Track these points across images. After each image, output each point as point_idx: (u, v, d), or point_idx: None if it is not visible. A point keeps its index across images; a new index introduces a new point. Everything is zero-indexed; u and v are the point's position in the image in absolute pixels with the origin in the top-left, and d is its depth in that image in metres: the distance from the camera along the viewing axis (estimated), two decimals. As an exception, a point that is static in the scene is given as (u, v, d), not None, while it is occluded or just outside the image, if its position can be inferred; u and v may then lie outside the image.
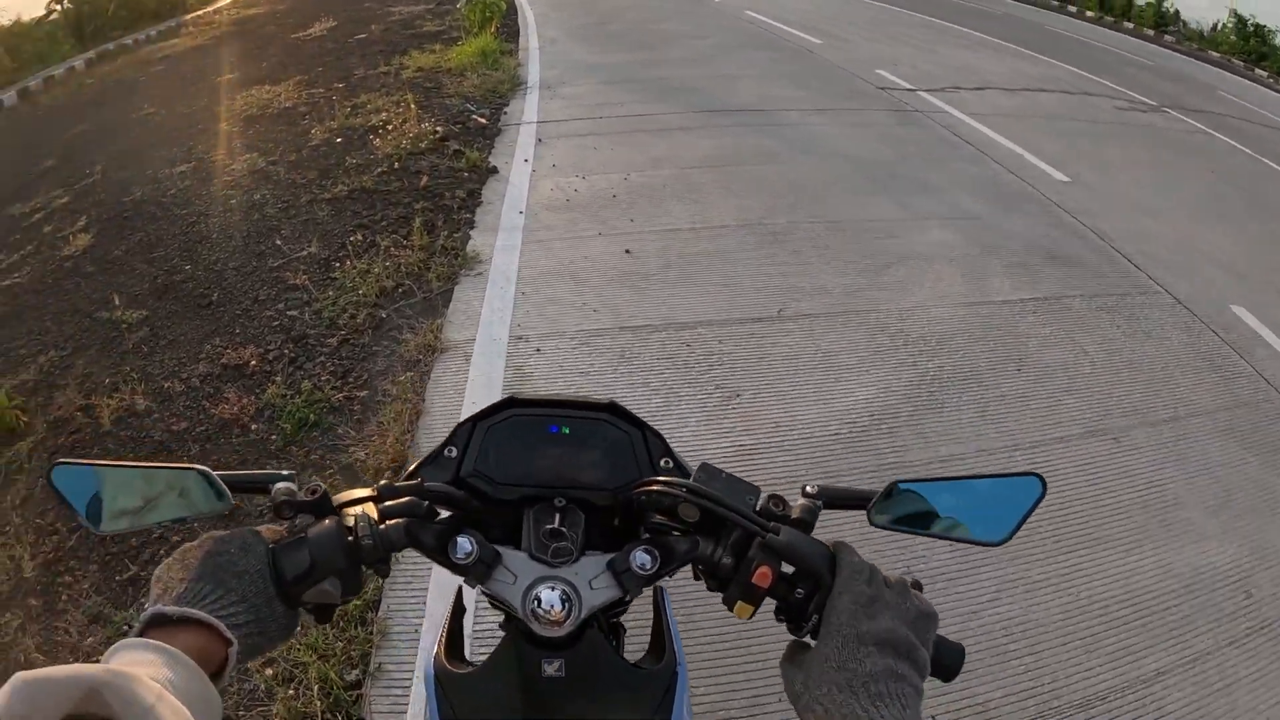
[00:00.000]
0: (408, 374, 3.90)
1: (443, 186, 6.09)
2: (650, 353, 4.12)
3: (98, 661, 0.64)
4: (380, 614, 2.67)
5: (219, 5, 23.27)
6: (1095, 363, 4.49)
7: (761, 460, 3.49)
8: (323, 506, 0.94)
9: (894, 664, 0.81)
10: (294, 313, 4.53)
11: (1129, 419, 4.07)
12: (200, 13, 21.16)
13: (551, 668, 0.97)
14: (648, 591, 1.07)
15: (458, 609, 1.24)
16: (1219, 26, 27.74)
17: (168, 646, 0.70)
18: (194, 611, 0.76)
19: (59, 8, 18.39)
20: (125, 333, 4.55)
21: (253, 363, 4.09)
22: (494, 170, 6.49)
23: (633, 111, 8.24)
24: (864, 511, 1.03)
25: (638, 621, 1.34)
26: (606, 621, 1.17)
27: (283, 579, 0.86)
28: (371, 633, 2.61)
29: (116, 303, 4.81)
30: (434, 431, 3.53)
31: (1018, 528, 1.01)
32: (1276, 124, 13.30)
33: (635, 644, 1.35)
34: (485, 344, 4.15)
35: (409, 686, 2.48)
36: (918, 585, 0.96)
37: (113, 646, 0.69)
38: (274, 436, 3.60)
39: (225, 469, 0.97)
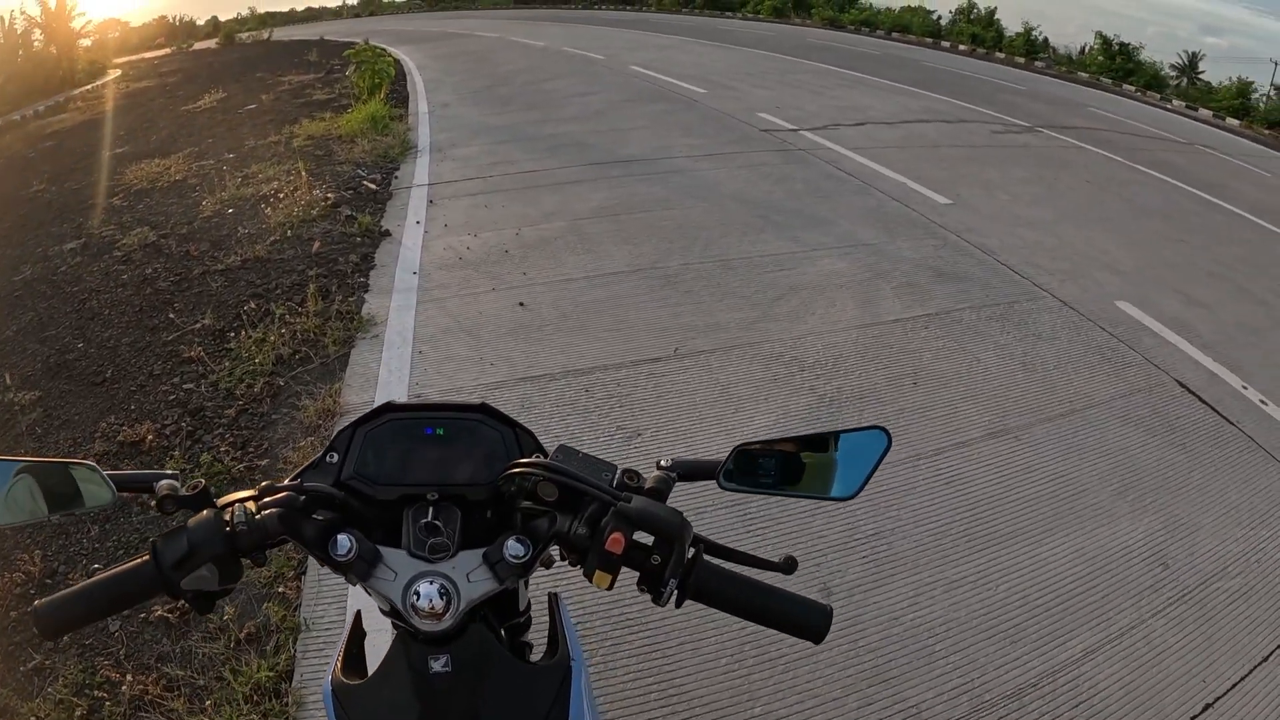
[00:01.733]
0: (308, 439, 3.88)
1: (336, 252, 6.10)
2: (550, 400, 4.18)
3: None
4: (294, 684, 2.65)
5: (107, 80, 22.92)
6: (989, 369, 4.72)
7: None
8: (203, 500, 1.02)
9: None
10: (190, 386, 4.47)
11: (1027, 417, 4.28)
12: (89, 87, 20.79)
13: (438, 664, 1.00)
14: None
15: (356, 631, 1.27)
16: (1087, 49, 29.45)
17: None
18: None
19: (-55, 80, 17.92)
20: (18, 414, 4.45)
21: (149, 438, 4.02)
22: (386, 233, 6.54)
23: (524, 169, 8.37)
24: (715, 481, 1.12)
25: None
26: (502, 622, 1.22)
27: (162, 565, 0.93)
28: (287, 704, 2.58)
29: (8, 382, 4.71)
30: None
31: (866, 481, 1.11)
32: (1146, 133, 14.36)
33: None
34: None
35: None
36: (792, 560, 1.06)
37: None
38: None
39: (111, 469, 1.05)
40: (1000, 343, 5.04)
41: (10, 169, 11.47)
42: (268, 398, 4.31)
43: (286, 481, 1.05)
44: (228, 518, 0.98)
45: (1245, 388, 4.91)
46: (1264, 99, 24.63)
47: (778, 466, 1.13)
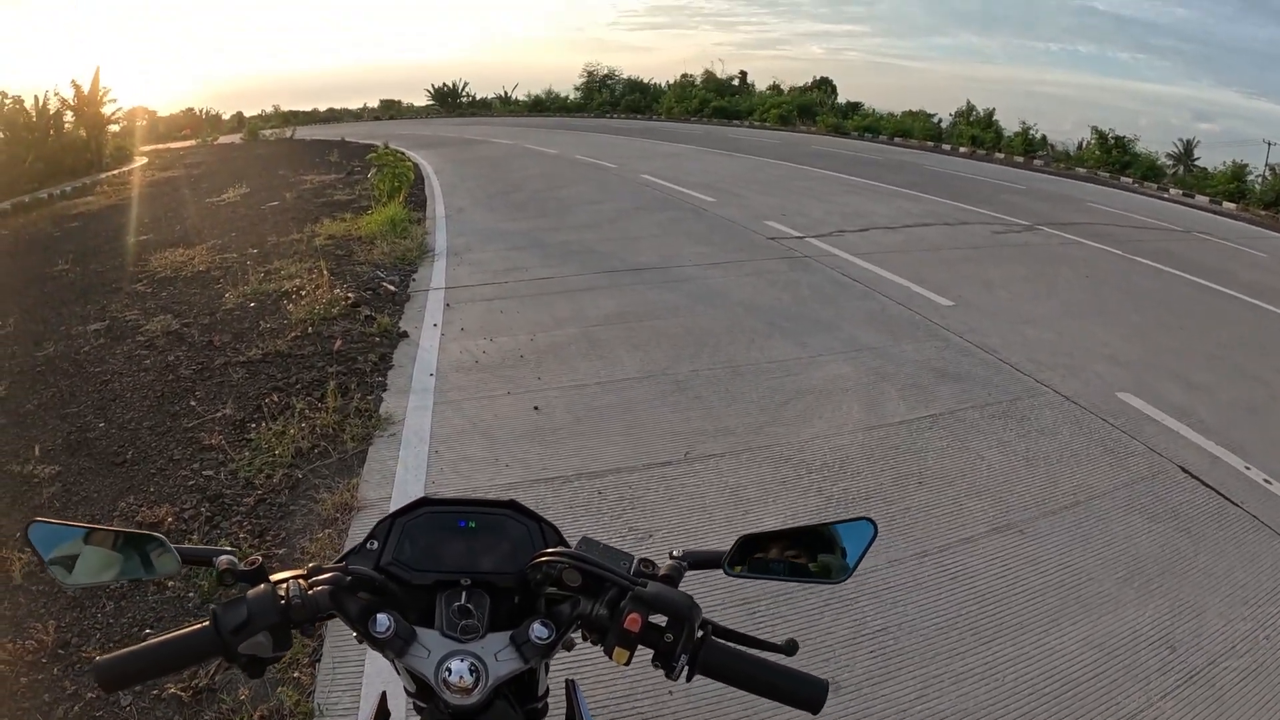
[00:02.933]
0: (325, 531, 3.94)
1: (355, 350, 6.26)
2: (563, 502, 4.24)
3: None
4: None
5: (134, 166, 23.52)
6: (993, 466, 4.78)
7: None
8: (260, 576, 1.14)
9: None
10: (209, 472, 4.56)
11: (1031, 511, 4.34)
12: (116, 172, 21.32)
13: None
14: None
15: (382, 711, 1.36)
16: (1084, 144, 29.98)
17: None
18: None
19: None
20: (38, 487, 4.52)
21: (168, 520, 4.09)
22: (404, 334, 6.71)
23: (538, 275, 8.58)
24: (721, 569, 1.24)
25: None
26: (522, 706, 1.27)
27: (222, 631, 1.04)
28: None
29: (36, 453, 4.81)
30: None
31: (855, 567, 1.23)
32: (1144, 224, 14.64)
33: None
34: (401, 501, 4.14)
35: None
36: (793, 643, 1.16)
37: None
38: (191, 594, 3.56)
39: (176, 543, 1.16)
40: (1003, 439, 5.13)
41: (36, 246, 11.79)
42: (286, 489, 4.39)
43: (332, 564, 1.17)
44: (282, 592, 1.09)
45: (1248, 468, 4.99)
46: (1259, 180, 24.89)
47: (778, 555, 1.25)
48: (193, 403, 5.49)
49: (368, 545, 1.20)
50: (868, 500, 4.37)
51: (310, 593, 1.10)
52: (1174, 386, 6.22)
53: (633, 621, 1.08)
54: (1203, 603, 3.68)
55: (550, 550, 1.15)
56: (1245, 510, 4.53)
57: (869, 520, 1.21)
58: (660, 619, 1.10)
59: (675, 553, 1.26)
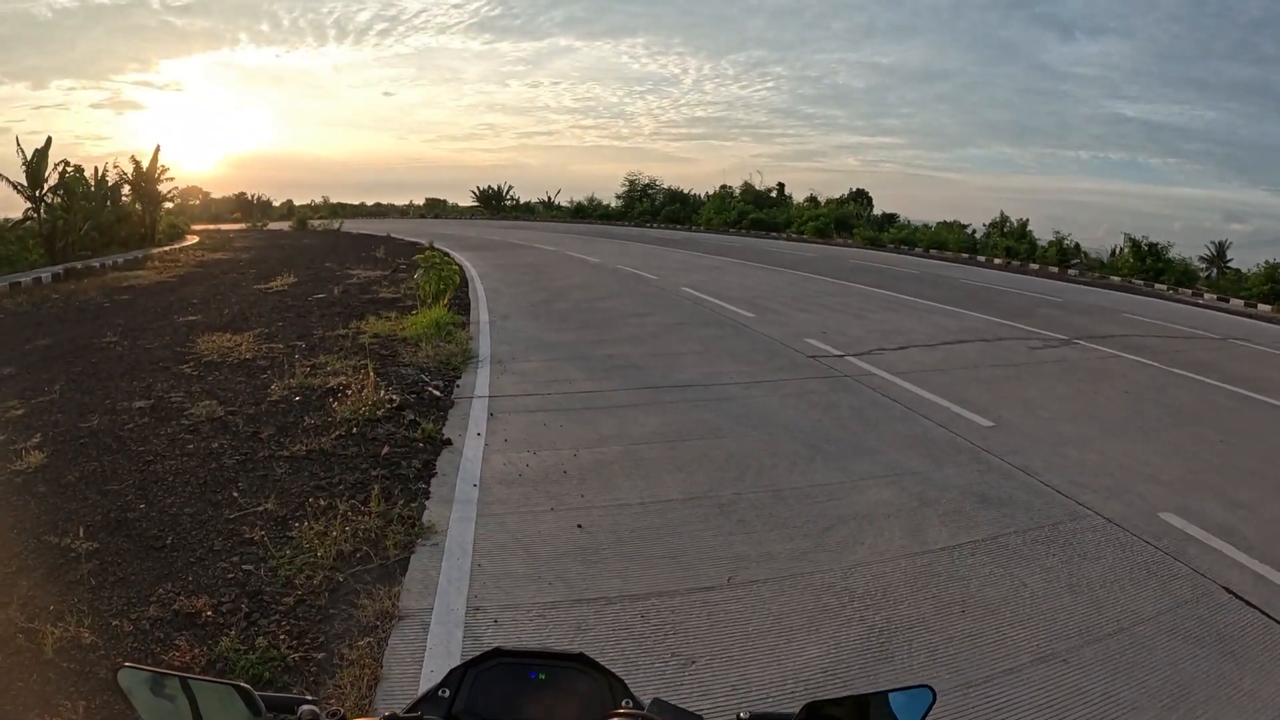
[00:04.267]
0: (365, 640, 3.90)
1: (399, 455, 6.27)
2: (606, 624, 4.19)
3: None
4: None
5: (185, 245, 24.19)
6: (1035, 593, 4.69)
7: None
8: None
9: None
10: (249, 567, 4.55)
11: (1075, 640, 4.24)
12: (168, 249, 21.96)
13: None
14: None
15: None
16: (1117, 251, 30.07)
17: None
18: None
19: (35, 216, 19.02)
20: (75, 563, 4.53)
21: (206, 613, 4.08)
22: (448, 442, 6.72)
23: (581, 389, 8.64)
24: None
25: None
26: None
27: None
28: None
29: (80, 532, 4.81)
30: (392, 697, 3.52)
31: None
32: (1180, 333, 14.62)
33: None
34: (443, 613, 4.19)
35: None
36: None
37: None
38: None
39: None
40: (1046, 565, 5.04)
41: (86, 315, 12.07)
42: (326, 591, 4.36)
43: (405, 712, 1.17)
44: None
45: None
46: None
47: None
48: (235, 493, 5.52)
49: (439, 693, 1.21)
50: (911, 630, 4.29)
51: None
52: (1216, 504, 6.14)
53: None
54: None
55: (623, 711, 1.15)
56: (1289, 629, 4.43)
57: (929, 688, 1.21)
58: None
59: (743, 715, 1.24)
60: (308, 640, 3.94)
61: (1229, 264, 31.05)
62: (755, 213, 44.54)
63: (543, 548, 4.99)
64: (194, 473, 5.83)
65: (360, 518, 5.11)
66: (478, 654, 1.26)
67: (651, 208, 50.20)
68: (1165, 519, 5.81)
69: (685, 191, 51.54)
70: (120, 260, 18.58)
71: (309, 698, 1.19)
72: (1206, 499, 6.25)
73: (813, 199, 47.47)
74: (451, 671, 1.23)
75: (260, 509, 5.27)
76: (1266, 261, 25.46)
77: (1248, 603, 4.69)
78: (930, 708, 1.21)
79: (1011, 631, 4.32)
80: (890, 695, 1.22)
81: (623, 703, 1.21)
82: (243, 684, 1.16)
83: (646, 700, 1.23)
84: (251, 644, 3.83)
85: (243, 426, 6.82)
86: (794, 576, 4.81)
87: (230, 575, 4.48)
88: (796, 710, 1.23)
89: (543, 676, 1.22)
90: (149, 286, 14.83)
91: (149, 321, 11.38)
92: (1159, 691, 3.83)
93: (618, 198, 52.81)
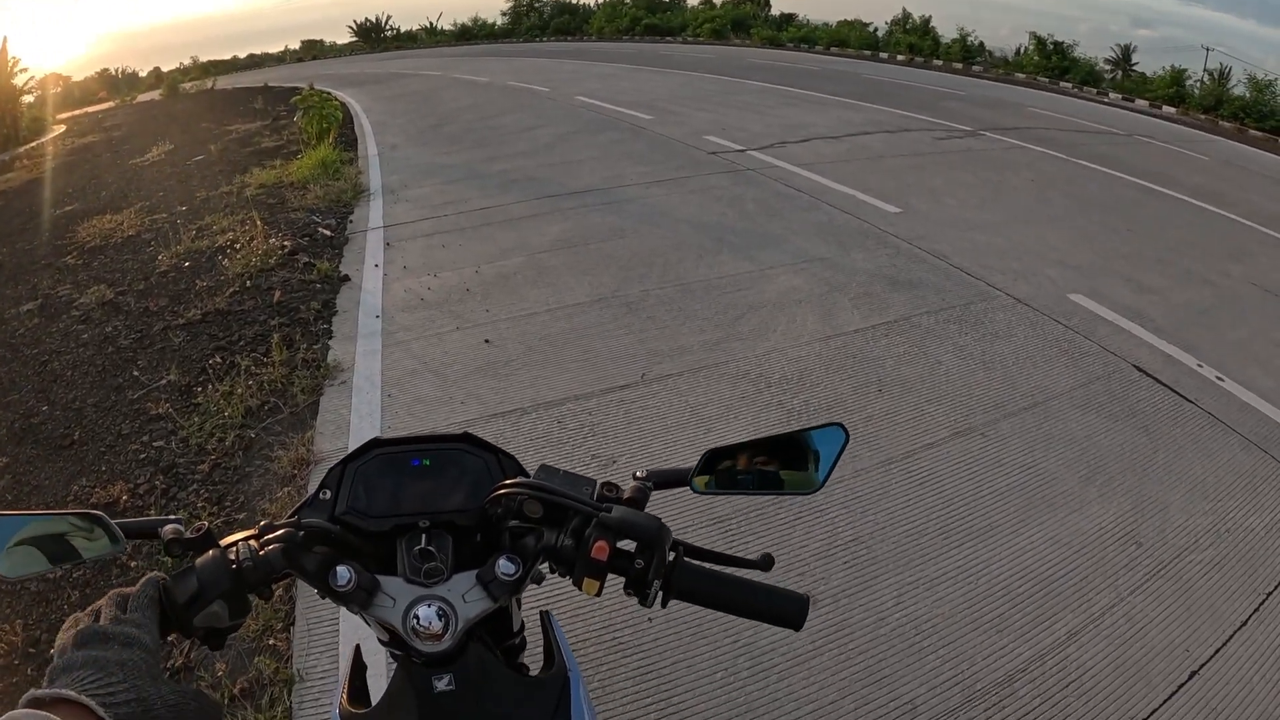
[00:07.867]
0: (284, 490, 3.86)
1: (297, 300, 6.08)
2: (523, 434, 4.19)
3: None
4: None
5: (52, 136, 22.69)
6: (950, 370, 4.83)
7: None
8: (208, 541, 1.06)
9: None
10: (160, 443, 4.43)
11: (991, 414, 4.40)
12: (34, 144, 20.59)
13: (442, 683, 1.03)
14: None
15: (358, 664, 1.30)
16: (1022, 50, 30.17)
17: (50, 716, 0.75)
18: (67, 693, 0.80)
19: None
20: None
21: (124, 499, 3.98)
22: (346, 278, 6.52)
23: (478, 206, 8.39)
24: (688, 485, 1.19)
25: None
26: (498, 645, 1.24)
27: (174, 605, 0.96)
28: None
29: None
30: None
31: (829, 475, 1.18)
32: (1086, 128, 14.81)
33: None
34: None
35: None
36: (768, 558, 1.12)
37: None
38: (154, 570, 3.53)
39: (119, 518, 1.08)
40: (959, 344, 5.16)
41: (-42, 231, 11.31)
42: (240, 450, 4.29)
43: (284, 519, 1.09)
44: (233, 556, 1.02)
45: (1200, 366, 5.10)
46: (1197, 85, 25.31)
47: (747, 468, 1.19)
48: (135, 373, 5.32)
49: (320, 495, 1.13)
50: (829, 411, 4.38)
51: (262, 553, 1.03)
52: (1124, 289, 6.30)
53: (600, 550, 1.03)
54: (1165, 499, 3.78)
55: (508, 482, 1.08)
56: (1200, 407, 4.63)
57: (840, 426, 1.16)
58: (629, 544, 1.05)
59: (639, 474, 1.19)
60: (228, 503, 3.89)
61: (1134, 67, 31.13)
62: (649, 18, 43.31)
63: (452, 368, 4.93)
64: (91, 362, 5.60)
65: (264, 370, 4.98)
66: (355, 448, 1.17)
67: (540, 22, 48.40)
68: (1075, 300, 5.95)
69: (574, 1, 49.70)
70: (-15, 169, 17.35)
71: (172, 518, 1.10)
72: (1115, 284, 6.39)
73: (708, 1, 46.06)
74: (330, 471, 1.15)
75: (163, 382, 5.10)
76: (1172, 66, 25.63)
77: (1159, 381, 4.87)
78: (844, 447, 1.16)
79: (929, 408, 4.44)
80: (803, 434, 1.17)
81: (514, 477, 1.14)
82: (95, 511, 1.06)
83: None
84: (172, 519, 3.75)
85: (134, 304, 6.52)
86: (709, 367, 4.84)
87: (142, 456, 4.36)
88: (694, 464, 1.19)
89: (427, 463, 1.15)
90: (20, 187, 13.87)
91: (25, 222, 10.70)
92: (1075, 463, 4.00)
93: (503, 15, 50.85)
